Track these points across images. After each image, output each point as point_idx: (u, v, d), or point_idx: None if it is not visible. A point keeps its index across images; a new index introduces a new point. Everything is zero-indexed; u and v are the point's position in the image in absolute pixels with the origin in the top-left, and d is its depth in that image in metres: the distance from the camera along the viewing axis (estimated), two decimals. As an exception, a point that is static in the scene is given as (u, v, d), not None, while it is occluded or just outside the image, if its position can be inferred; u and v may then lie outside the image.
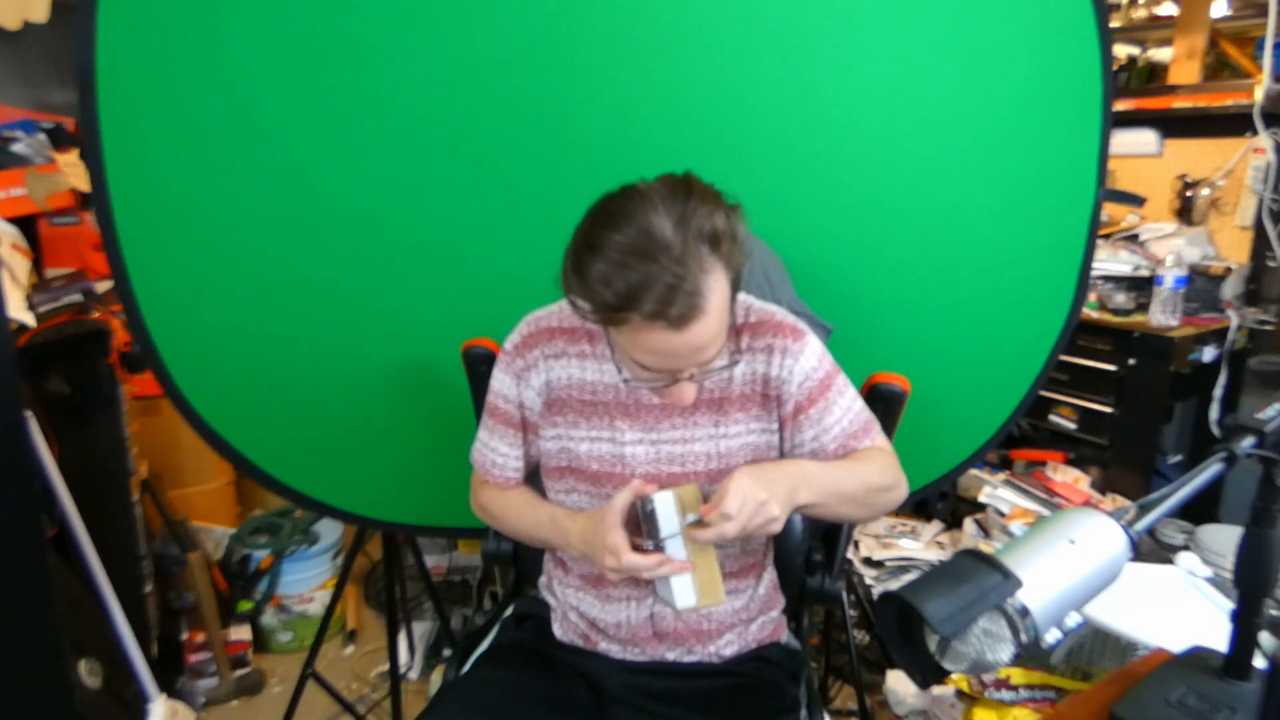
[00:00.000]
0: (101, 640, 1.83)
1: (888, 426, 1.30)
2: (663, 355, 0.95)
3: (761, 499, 0.97)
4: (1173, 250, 2.37)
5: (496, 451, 1.20)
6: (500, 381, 1.18)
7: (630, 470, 1.12)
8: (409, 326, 1.56)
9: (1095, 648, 1.69)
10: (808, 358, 1.11)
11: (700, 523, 0.99)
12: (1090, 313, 2.42)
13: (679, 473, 1.11)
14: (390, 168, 1.48)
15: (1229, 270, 2.45)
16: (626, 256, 0.89)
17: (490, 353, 1.35)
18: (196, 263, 1.49)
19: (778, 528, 1.00)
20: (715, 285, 0.92)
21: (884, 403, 1.29)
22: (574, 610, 1.19)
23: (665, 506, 1.01)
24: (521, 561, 1.40)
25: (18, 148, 2.26)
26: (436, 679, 2.22)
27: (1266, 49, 2.36)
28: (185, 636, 2.24)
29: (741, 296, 1.15)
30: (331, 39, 1.42)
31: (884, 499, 1.13)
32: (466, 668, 1.22)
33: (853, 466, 1.11)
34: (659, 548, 1.00)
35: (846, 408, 1.13)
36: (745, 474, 0.99)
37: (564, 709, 1.12)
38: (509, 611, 1.31)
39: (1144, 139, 2.62)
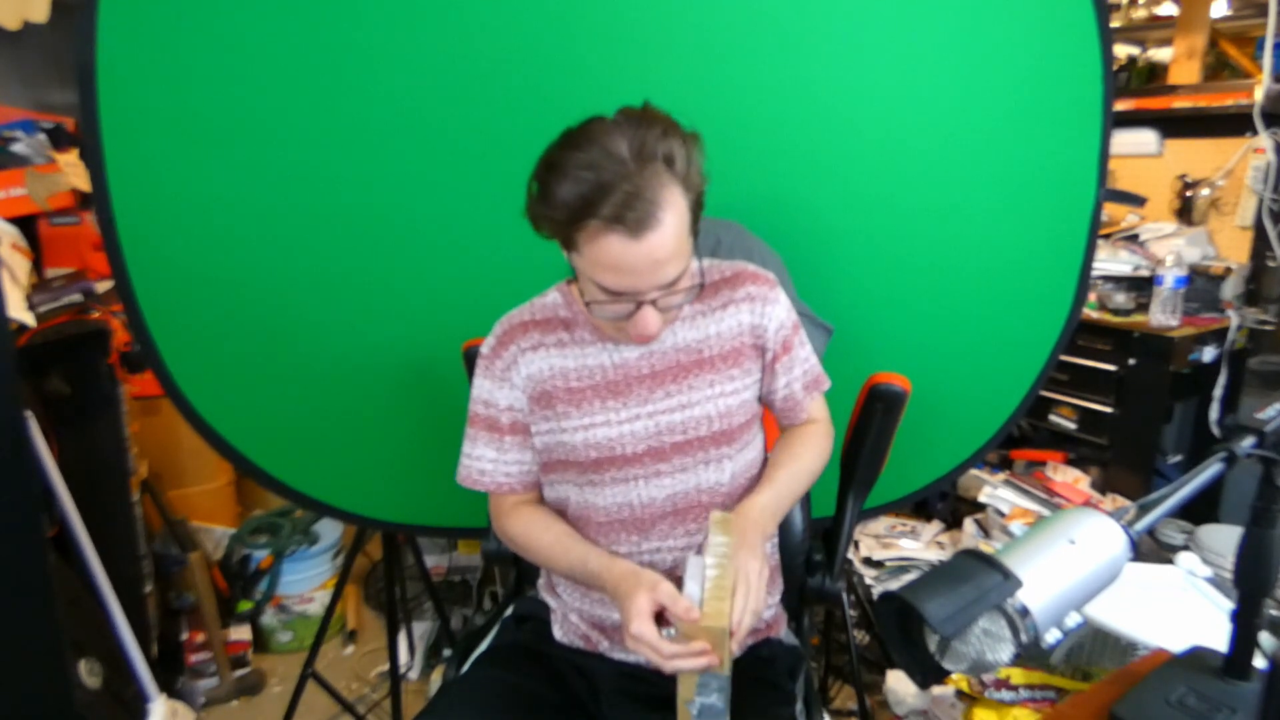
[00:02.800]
0: (101, 640, 1.83)
1: (888, 427, 1.30)
2: (624, 271, 0.96)
3: (760, 568, 1.00)
4: (1173, 250, 2.37)
5: (483, 459, 1.17)
6: (480, 387, 1.16)
7: (630, 450, 1.10)
8: (410, 326, 1.56)
9: (1095, 648, 1.69)
10: (781, 305, 1.17)
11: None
12: (1090, 313, 2.42)
13: (681, 441, 1.11)
14: (391, 168, 1.48)
15: (1229, 270, 2.45)
16: (584, 171, 0.93)
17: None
18: (197, 262, 1.49)
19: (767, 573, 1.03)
20: (672, 200, 0.95)
21: (884, 403, 1.29)
22: (575, 611, 1.19)
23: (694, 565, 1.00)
24: (522, 562, 1.40)
25: (18, 148, 2.26)
26: (436, 679, 2.22)
27: (1266, 49, 2.36)
28: (185, 636, 2.24)
29: (711, 260, 1.19)
30: (332, 39, 1.42)
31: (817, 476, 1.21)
32: (466, 667, 1.21)
33: (805, 464, 1.17)
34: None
35: (807, 356, 1.21)
36: (745, 553, 1.00)
37: (563, 709, 1.12)
38: (509, 611, 1.31)
39: (1144, 139, 2.62)
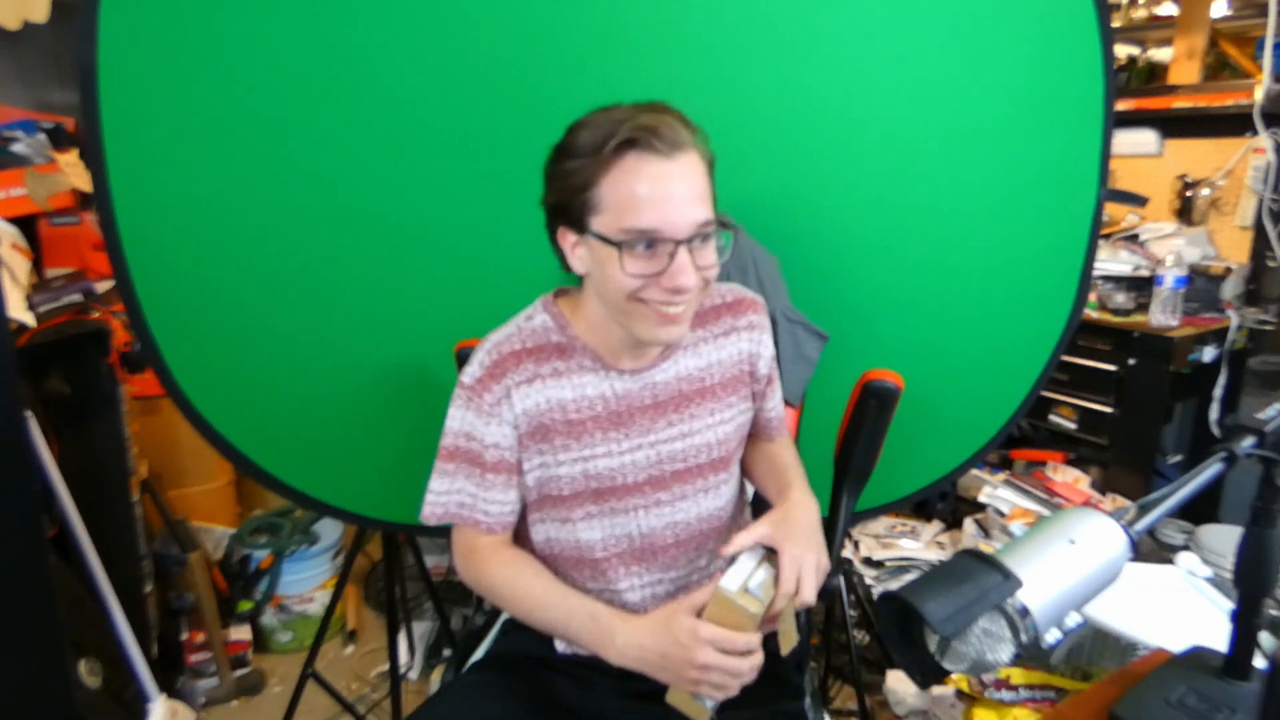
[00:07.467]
0: (101, 640, 1.83)
1: (882, 423, 1.31)
2: (657, 201, 0.91)
3: (826, 565, 1.01)
4: (1173, 250, 2.37)
5: (463, 493, 1.08)
6: (461, 420, 1.06)
7: (631, 480, 1.08)
8: (410, 326, 1.56)
9: (1095, 648, 1.69)
10: (770, 333, 1.18)
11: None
12: (1090, 313, 2.42)
13: (681, 469, 1.10)
14: (391, 168, 1.48)
15: (1229, 270, 2.45)
16: (605, 116, 0.94)
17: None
18: (198, 262, 1.49)
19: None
20: (692, 143, 0.95)
21: (878, 399, 1.29)
22: None
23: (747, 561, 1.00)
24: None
25: (18, 148, 2.26)
26: (436, 679, 2.22)
27: (1266, 49, 2.36)
28: (185, 636, 2.24)
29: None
30: (333, 39, 1.42)
31: None
32: (464, 671, 1.19)
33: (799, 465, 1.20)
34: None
35: (777, 386, 1.22)
36: (798, 546, 0.98)
37: (567, 712, 1.10)
38: (507, 615, 1.28)
39: (1144, 139, 2.62)
